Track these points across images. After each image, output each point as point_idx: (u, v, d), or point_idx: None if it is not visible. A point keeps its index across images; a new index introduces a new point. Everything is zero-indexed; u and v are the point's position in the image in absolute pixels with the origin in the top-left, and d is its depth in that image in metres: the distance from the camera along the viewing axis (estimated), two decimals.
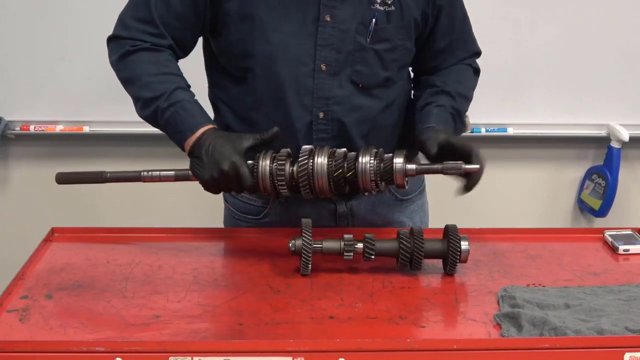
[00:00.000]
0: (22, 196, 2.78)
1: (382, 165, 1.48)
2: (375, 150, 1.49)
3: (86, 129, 2.65)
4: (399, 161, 1.47)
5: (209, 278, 1.47)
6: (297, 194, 1.50)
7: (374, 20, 1.58)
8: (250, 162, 1.47)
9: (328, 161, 1.47)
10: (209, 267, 1.52)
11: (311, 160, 1.46)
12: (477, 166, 1.49)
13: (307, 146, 1.49)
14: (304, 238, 1.43)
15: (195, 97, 1.57)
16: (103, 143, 2.72)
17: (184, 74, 1.60)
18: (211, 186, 1.47)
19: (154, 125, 1.57)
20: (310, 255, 1.43)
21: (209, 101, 1.74)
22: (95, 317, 1.30)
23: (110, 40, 1.62)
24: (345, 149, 1.50)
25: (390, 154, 1.49)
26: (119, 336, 1.24)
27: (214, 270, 1.51)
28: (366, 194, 1.51)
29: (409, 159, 1.49)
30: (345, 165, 1.47)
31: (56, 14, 2.55)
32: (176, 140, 1.54)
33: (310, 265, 1.44)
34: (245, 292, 1.41)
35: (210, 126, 1.52)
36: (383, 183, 1.49)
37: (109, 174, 1.56)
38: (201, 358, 1.17)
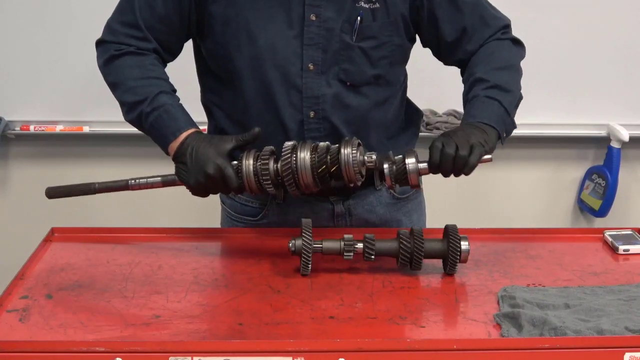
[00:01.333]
0: (22, 196, 2.78)
1: (394, 167, 1.46)
2: (357, 140, 1.47)
3: (86, 129, 2.65)
4: (411, 161, 1.46)
5: (209, 278, 1.47)
6: (284, 191, 1.50)
7: (358, 18, 1.58)
8: (234, 162, 1.47)
9: (311, 155, 1.46)
10: (209, 267, 1.52)
11: (294, 156, 1.45)
12: (489, 157, 1.49)
13: (290, 142, 1.48)
14: (304, 238, 1.43)
15: (180, 102, 1.56)
16: (103, 143, 2.71)
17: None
18: (198, 190, 1.48)
19: (140, 129, 1.58)
20: (310, 255, 1.43)
21: (202, 105, 1.75)
22: (95, 317, 1.30)
23: (98, 44, 1.63)
24: (328, 143, 1.49)
25: (401, 156, 1.47)
26: (119, 336, 1.24)
27: (214, 270, 1.51)
28: (351, 185, 1.49)
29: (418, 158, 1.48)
30: (329, 158, 1.46)
31: (56, 14, 2.55)
32: (160, 144, 1.54)
33: (310, 265, 1.44)
34: (245, 292, 1.41)
35: (193, 130, 1.52)
36: (381, 181, 1.48)
37: (97, 185, 1.57)
38: (201, 358, 1.17)
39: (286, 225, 1.66)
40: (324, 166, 1.46)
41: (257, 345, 1.19)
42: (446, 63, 1.75)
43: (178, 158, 1.50)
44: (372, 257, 1.46)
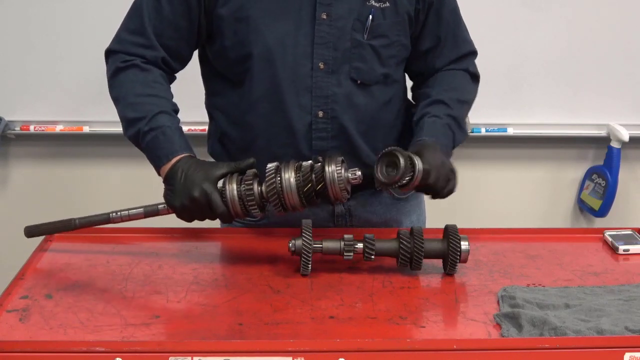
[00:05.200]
0: (22, 196, 2.78)
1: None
2: (340, 158, 1.46)
3: (86, 129, 2.65)
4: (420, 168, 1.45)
5: (209, 278, 1.47)
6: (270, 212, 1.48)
7: (370, 16, 1.58)
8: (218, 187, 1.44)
9: (295, 175, 1.43)
10: (209, 267, 1.52)
11: (278, 177, 1.43)
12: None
13: (272, 164, 1.46)
14: (304, 238, 1.43)
15: (180, 124, 1.54)
16: (103, 143, 2.71)
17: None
18: (183, 213, 1.45)
19: (138, 147, 1.55)
20: (310, 255, 1.43)
21: (205, 109, 1.74)
22: (95, 317, 1.30)
23: (107, 56, 1.62)
24: (311, 161, 1.47)
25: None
26: (119, 336, 1.24)
27: (214, 270, 1.51)
28: (337, 202, 1.48)
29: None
30: (314, 176, 1.44)
31: (56, 14, 2.55)
32: (154, 166, 1.52)
33: (310, 265, 1.44)
34: (245, 292, 1.41)
35: (186, 154, 1.49)
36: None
37: (77, 221, 1.54)
38: (201, 358, 1.17)
39: (286, 226, 1.66)
40: (310, 185, 1.43)
41: (257, 345, 1.19)
42: (405, 70, 1.76)
43: (167, 180, 1.48)
44: (372, 257, 1.46)
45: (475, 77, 1.75)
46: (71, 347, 1.17)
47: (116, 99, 1.58)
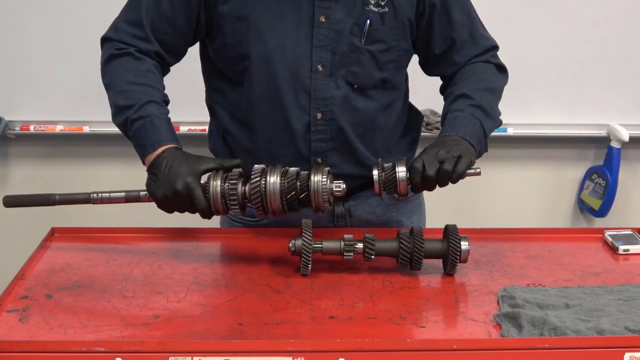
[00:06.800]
0: None
1: (384, 174, 1.47)
2: (327, 168, 1.46)
3: (86, 129, 2.65)
4: (401, 170, 1.46)
5: (209, 278, 1.47)
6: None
7: (368, 21, 1.58)
8: (202, 182, 1.44)
9: (280, 180, 1.43)
10: (209, 267, 1.52)
11: (263, 180, 1.43)
12: (478, 170, 1.48)
13: (259, 165, 1.45)
14: (304, 238, 1.43)
15: (169, 115, 1.54)
16: (103, 143, 2.72)
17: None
18: (163, 204, 1.45)
19: (125, 135, 1.55)
20: (310, 255, 1.43)
21: (206, 105, 1.74)
22: (95, 317, 1.30)
23: (102, 42, 1.62)
24: (297, 168, 1.46)
25: (391, 164, 1.48)
26: (119, 336, 1.24)
27: (214, 270, 1.51)
28: (318, 212, 1.48)
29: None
30: (298, 184, 1.43)
31: (56, 14, 2.55)
32: (139, 154, 1.52)
33: (310, 265, 1.44)
34: (245, 292, 1.41)
35: (173, 145, 1.49)
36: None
37: (57, 196, 1.53)
38: (201, 358, 1.17)
39: (286, 226, 1.66)
40: (293, 192, 1.43)
41: (257, 345, 1.19)
42: (429, 74, 1.77)
43: (152, 170, 1.47)
44: (372, 257, 1.46)
45: (500, 68, 1.72)
46: (71, 347, 1.17)
47: (108, 86, 1.58)
